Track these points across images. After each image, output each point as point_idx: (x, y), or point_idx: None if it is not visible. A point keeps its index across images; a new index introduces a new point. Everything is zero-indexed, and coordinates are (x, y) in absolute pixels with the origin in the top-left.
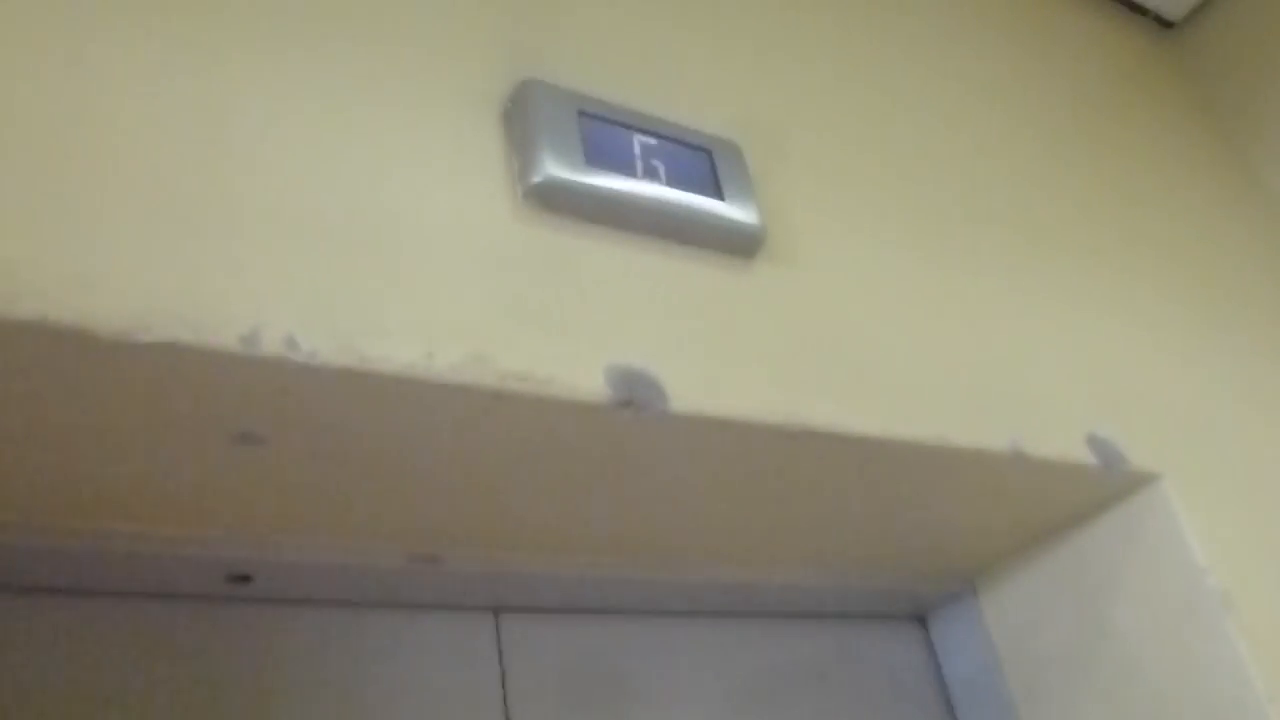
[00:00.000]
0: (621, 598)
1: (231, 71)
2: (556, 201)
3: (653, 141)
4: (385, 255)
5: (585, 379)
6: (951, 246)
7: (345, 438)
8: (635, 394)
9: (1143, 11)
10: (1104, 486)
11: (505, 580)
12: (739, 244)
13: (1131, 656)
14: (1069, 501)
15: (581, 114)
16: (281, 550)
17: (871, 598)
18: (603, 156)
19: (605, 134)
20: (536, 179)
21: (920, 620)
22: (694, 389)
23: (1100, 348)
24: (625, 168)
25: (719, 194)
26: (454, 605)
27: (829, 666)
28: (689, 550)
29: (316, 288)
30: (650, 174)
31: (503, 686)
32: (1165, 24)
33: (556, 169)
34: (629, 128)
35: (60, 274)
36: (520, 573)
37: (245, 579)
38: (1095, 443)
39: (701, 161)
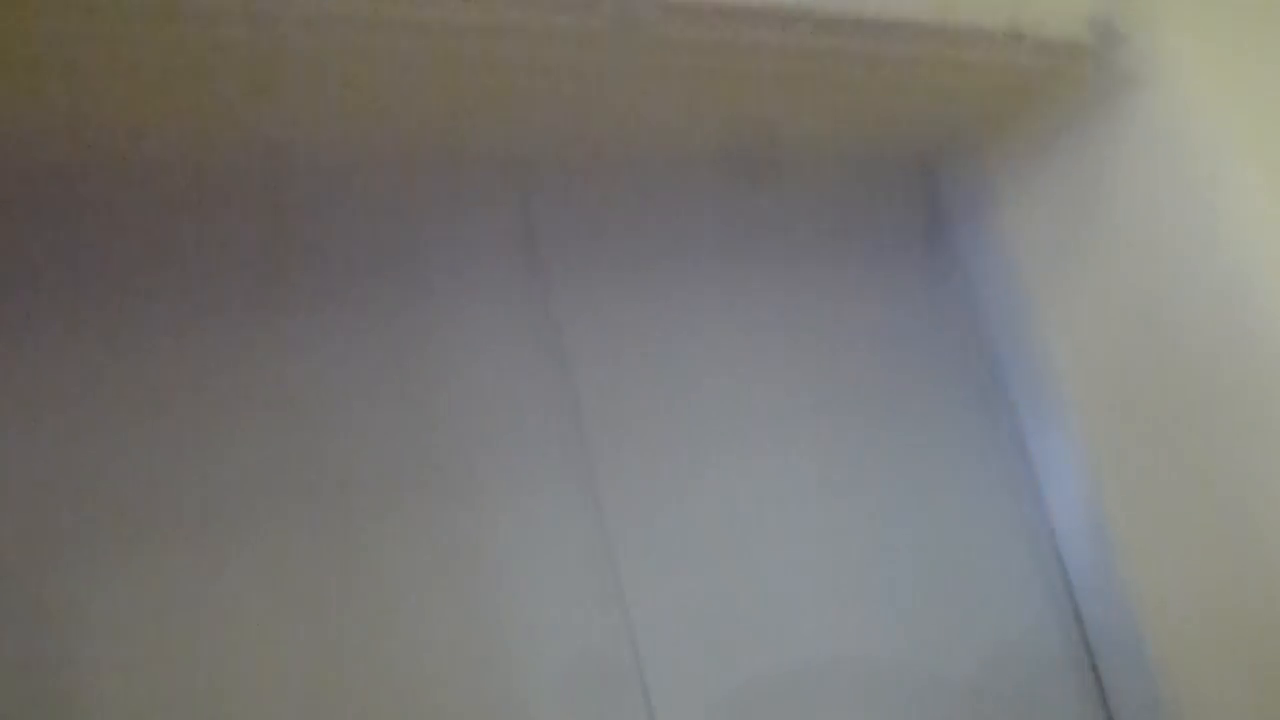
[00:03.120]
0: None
1: None
2: None
3: None
4: None
5: None
6: None
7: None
8: None
9: None
10: (1103, 67)
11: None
12: None
13: (1125, 205)
14: (1069, 79)
15: None
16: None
17: (885, 150)
18: None
19: None
20: None
21: (930, 172)
22: None
23: None
24: None
25: None
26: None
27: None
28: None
29: None
30: None
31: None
32: None
33: None
34: None
35: None
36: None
37: None
38: (1095, 25)
39: None
